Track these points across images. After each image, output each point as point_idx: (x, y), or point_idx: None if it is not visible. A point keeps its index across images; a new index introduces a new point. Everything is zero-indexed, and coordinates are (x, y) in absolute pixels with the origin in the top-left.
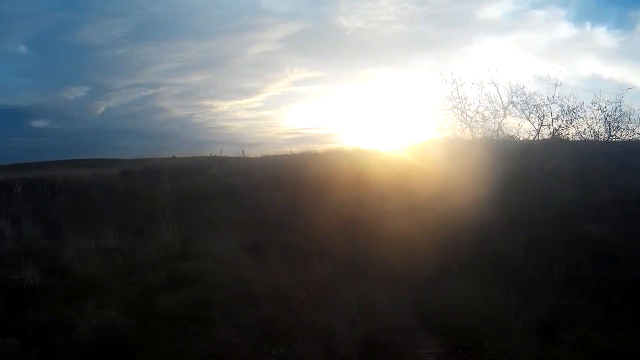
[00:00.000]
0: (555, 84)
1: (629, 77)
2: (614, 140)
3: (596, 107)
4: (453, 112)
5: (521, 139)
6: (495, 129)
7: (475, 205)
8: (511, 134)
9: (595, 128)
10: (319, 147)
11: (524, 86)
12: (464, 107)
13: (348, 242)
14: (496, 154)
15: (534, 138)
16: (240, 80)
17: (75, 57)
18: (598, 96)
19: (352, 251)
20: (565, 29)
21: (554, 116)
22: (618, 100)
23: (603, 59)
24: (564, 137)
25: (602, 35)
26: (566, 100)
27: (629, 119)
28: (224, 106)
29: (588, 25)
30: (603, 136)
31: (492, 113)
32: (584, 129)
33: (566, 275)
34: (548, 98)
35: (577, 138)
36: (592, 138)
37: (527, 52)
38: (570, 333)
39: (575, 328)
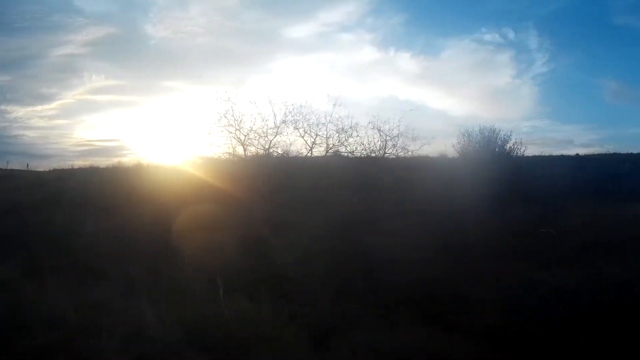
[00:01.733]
0: (334, 104)
1: (428, 98)
2: (390, 156)
3: (372, 127)
4: (227, 129)
5: (296, 155)
6: (268, 147)
7: (251, 220)
8: (285, 151)
9: (372, 146)
10: (108, 161)
11: (300, 105)
12: (239, 125)
13: (132, 262)
14: (269, 171)
15: (307, 154)
16: (39, 84)
17: None
18: (376, 117)
19: (136, 270)
20: (369, 52)
21: (329, 134)
22: (398, 120)
23: (403, 81)
24: (343, 154)
25: (405, 60)
26: (346, 120)
27: (409, 137)
28: (19, 112)
29: (392, 50)
30: (378, 153)
31: (265, 131)
32: (356, 148)
33: (343, 283)
34: (325, 117)
35: (356, 155)
36: (367, 154)
37: (329, 72)
38: (348, 339)
39: (352, 334)
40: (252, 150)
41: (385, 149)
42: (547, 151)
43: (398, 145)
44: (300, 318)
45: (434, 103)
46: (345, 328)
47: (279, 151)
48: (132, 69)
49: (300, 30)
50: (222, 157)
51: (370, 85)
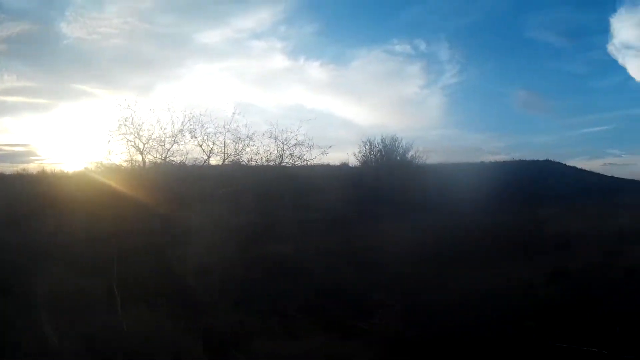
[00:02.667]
0: (233, 113)
1: (336, 107)
2: (288, 165)
3: (269, 136)
4: (127, 137)
5: (193, 164)
6: (166, 156)
7: (151, 229)
8: (182, 159)
9: (268, 155)
10: (14, 167)
11: (200, 114)
12: (138, 133)
13: (36, 275)
14: (167, 180)
15: (204, 163)
16: None
17: None
18: (274, 125)
19: (40, 284)
20: (279, 61)
21: (227, 143)
22: (297, 129)
23: (311, 90)
24: (243, 163)
25: (314, 69)
26: (243, 129)
27: (306, 146)
28: None
29: (302, 59)
30: (275, 161)
31: (164, 140)
32: (251, 157)
33: (242, 292)
34: (224, 126)
35: (253, 164)
36: (264, 163)
37: (238, 79)
38: (246, 349)
39: (251, 343)
40: (150, 158)
41: (282, 157)
42: (455, 159)
43: (295, 154)
44: (198, 328)
45: (342, 112)
46: (244, 337)
47: (177, 160)
48: (45, 70)
49: (212, 35)
50: (122, 165)
51: (278, 94)
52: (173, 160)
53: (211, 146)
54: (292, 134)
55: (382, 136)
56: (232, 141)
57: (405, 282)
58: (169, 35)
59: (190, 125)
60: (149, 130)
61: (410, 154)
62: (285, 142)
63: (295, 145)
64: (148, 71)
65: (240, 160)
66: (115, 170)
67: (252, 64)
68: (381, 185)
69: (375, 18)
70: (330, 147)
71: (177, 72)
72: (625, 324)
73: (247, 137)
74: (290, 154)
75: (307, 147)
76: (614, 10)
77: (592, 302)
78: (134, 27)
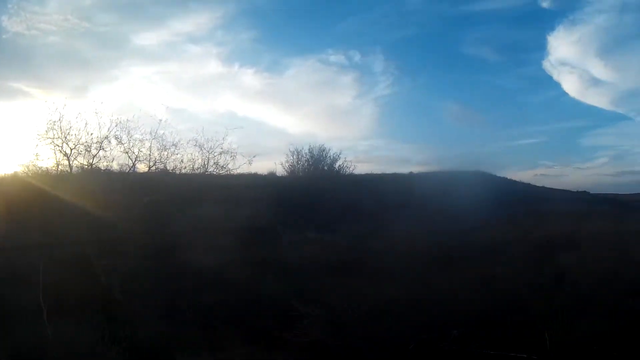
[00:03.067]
0: (160, 120)
1: (268, 116)
2: (214, 174)
3: (195, 144)
4: (54, 142)
5: (119, 171)
6: (92, 162)
7: (78, 238)
8: (109, 166)
9: (194, 163)
10: None
11: (127, 119)
12: (65, 138)
13: None
14: (93, 187)
15: (129, 170)
16: None
17: None
18: (200, 134)
19: None
20: (214, 66)
21: (153, 150)
22: (222, 138)
23: (244, 97)
24: (170, 171)
25: (248, 76)
26: (169, 137)
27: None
28: None
29: (237, 66)
30: (200, 170)
31: (90, 145)
32: (176, 165)
33: (168, 304)
34: (150, 133)
35: (178, 172)
36: (189, 172)
37: (172, 84)
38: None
39: (174, 356)
40: (77, 164)
41: (207, 166)
42: (384, 169)
43: (219, 163)
44: (124, 340)
45: (274, 120)
46: (168, 350)
47: (103, 166)
48: None
49: (150, 37)
50: (50, 170)
51: (210, 100)
52: (99, 167)
53: (137, 153)
54: (218, 143)
55: (309, 145)
56: (157, 148)
57: (328, 292)
58: (108, 35)
59: (117, 131)
60: (76, 135)
61: (337, 163)
62: (210, 151)
63: (220, 154)
64: (84, 71)
65: (167, 168)
66: (44, 175)
67: (187, 69)
68: (307, 194)
69: (311, 28)
70: (254, 156)
71: (112, 74)
72: (555, 329)
73: (173, 144)
74: (214, 162)
75: (231, 156)
76: (552, 29)
77: (519, 309)
78: (74, 25)
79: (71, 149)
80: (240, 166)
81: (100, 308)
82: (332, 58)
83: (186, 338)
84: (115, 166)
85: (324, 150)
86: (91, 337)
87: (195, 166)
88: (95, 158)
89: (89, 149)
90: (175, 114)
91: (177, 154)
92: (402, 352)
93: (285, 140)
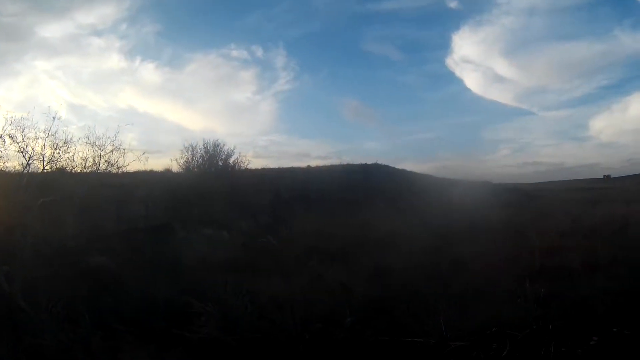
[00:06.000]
0: (54, 117)
1: (167, 111)
2: (109, 172)
3: (86, 142)
4: None
5: (12, 171)
6: None
7: None
8: (2, 166)
9: (86, 161)
10: None
11: (22, 117)
12: None
13: None
14: None
15: (24, 170)
16: None
17: None
18: (90, 131)
19: None
20: (116, 60)
21: (46, 149)
22: (114, 135)
23: (144, 93)
24: (65, 170)
25: (149, 71)
26: (61, 134)
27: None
28: None
29: (138, 60)
30: (92, 168)
31: None
32: (68, 164)
33: (68, 309)
34: (45, 130)
35: (73, 171)
36: (82, 171)
37: (73, 78)
38: None
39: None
40: None
41: (99, 164)
42: (283, 164)
43: (111, 161)
44: (23, 349)
45: (173, 116)
46: (68, 356)
47: None
48: None
49: (54, 29)
50: None
51: (111, 95)
52: None
53: (30, 152)
54: (110, 140)
55: (204, 141)
56: (50, 147)
57: (223, 289)
58: (12, 26)
59: (11, 129)
60: None
61: (232, 159)
62: (101, 148)
63: (111, 151)
64: None
65: (62, 168)
66: None
67: (89, 63)
68: (202, 191)
69: (215, 22)
70: (144, 153)
71: (15, 68)
72: (451, 313)
73: (65, 142)
74: (106, 160)
75: (122, 153)
76: (457, 28)
77: (415, 297)
78: None
79: None
80: (130, 163)
81: (4, 317)
82: (234, 53)
83: (86, 342)
84: (10, 166)
85: (218, 146)
86: None
87: (87, 164)
88: None
89: None
90: (75, 110)
91: (68, 153)
92: (295, 343)
93: (184, 137)
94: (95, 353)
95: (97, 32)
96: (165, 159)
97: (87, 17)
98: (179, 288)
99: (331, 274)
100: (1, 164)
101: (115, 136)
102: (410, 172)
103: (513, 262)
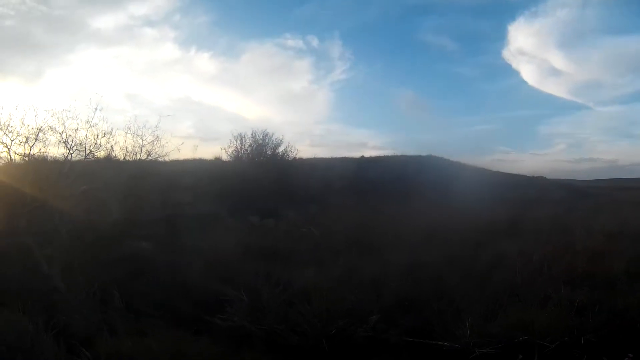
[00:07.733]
0: (96, 109)
1: (224, 100)
2: (154, 160)
3: (130, 132)
4: None
5: (55, 160)
6: (29, 152)
7: (17, 229)
8: (45, 155)
9: (126, 151)
10: None
11: (63, 109)
12: (7, 130)
13: None
14: (32, 177)
15: (65, 159)
16: None
17: None
18: (132, 122)
19: None
20: (170, 50)
21: (88, 139)
22: (155, 125)
23: (199, 82)
24: (107, 159)
25: (204, 60)
26: (103, 125)
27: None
28: None
29: (193, 50)
30: (134, 157)
31: (28, 136)
32: (110, 153)
33: (104, 292)
34: (87, 122)
35: (116, 160)
36: (126, 159)
37: (128, 68)
38: (99, 347)
39: (105, 341)
40: (17, 155)
41: (140, 154)
42: (340, 153)
43: (152, 150)
44: (56, 327)
45: (229, 105)
46: (100, 336)
47: (39, 156)
48: None
49: (106, 21)
50: None
51: (166, 84)
52: (37, 157)
53: (72, 142)
54: (151, 130)
55: (252, 130)
56: (92, 136)
57: (258, 278)
58: (64, 18)
59: (53, 121)
60: (18, 125)
61: (280, 148)
62: (142, 138)
63: (152, 141)
64: (39, 56)
65: (104, 156)
66: None
67: (143, 53)
68: (250, 180)
69: (270, 12)
70: (182, 143)
71: (68, 58)
72: (481, 315)
73: (106, 132)
74: (147, 150)
75: (161, 143)
76: (513, 19)
77: (446, 294)
78: (31, 8)
79: (11, 140)
80: (169, 152)
81: (41, 297)
82: (290, 42)
83: (118, 324)
84: (52, 156)
85: (267, 135)
86: (25, 324)
87: (127, 153)
88: (33, 148)
89: (24, 141)
90: (130, 99)
91: (111, 142)
92: (319, 338)
93: (240, 125)
94: (123, 334)
95: (151, 23)
96: (217, 148)
97: (140, 9)
98: (216, 275)
99: (366, 267)
100: (44, 153)
101: (156, 126)
102: (464, 165)
103: (553, 263)
